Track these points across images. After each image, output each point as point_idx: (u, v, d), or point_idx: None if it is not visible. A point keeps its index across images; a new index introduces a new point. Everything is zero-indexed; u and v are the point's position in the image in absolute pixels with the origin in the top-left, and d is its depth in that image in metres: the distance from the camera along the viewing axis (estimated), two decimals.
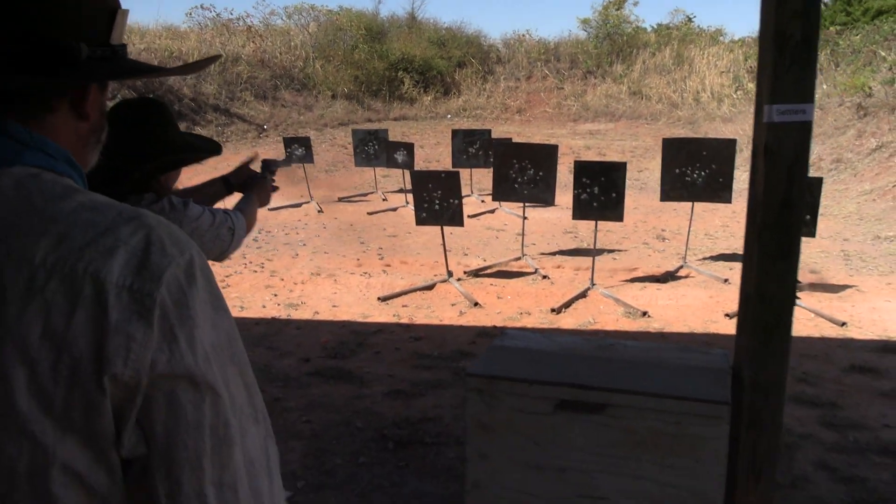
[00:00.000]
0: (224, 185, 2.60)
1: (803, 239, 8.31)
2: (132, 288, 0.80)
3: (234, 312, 5.97)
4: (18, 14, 0.85)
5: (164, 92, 16.61)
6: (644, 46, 24.10)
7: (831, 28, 19.41)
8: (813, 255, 7.81)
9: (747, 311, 2.65)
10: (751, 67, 21.15)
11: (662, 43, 24.01)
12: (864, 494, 3.30)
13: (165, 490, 0.83)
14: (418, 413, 4.18)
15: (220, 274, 7.20)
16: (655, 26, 25.59)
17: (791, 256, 2.55)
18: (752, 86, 20.14)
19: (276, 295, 6.53)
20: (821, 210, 10.19)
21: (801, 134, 2.46)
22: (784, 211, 2.50)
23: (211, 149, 2.24)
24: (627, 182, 12.84)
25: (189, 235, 1.91)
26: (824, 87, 15.75)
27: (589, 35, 24.92)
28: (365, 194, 11.81)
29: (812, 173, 12.05)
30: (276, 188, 2.70)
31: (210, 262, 0.96)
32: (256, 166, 2.78)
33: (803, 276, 7.04)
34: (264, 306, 6.20)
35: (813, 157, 12.64)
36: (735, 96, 20.33)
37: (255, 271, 7.31)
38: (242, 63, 19.35)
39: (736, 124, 16.55)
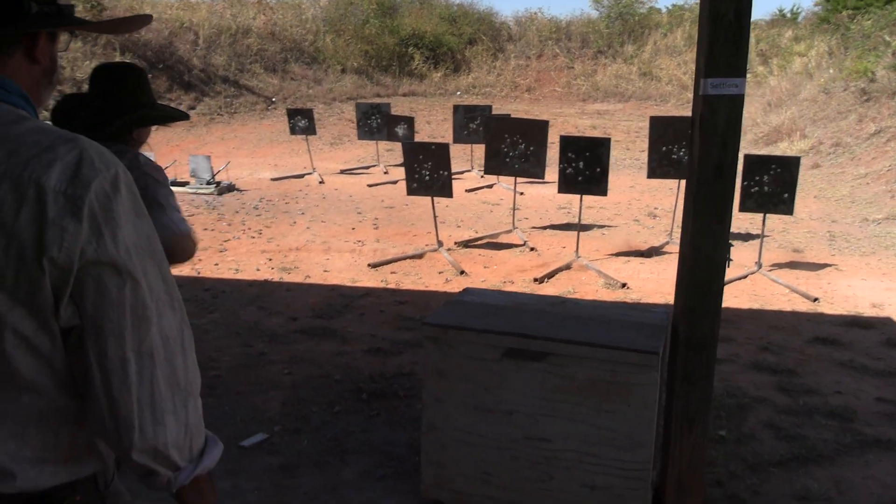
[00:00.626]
0: None
1: (787, 218, 8.41)
2: (66, 192, 1.03)
3: (230, 275, 6.24)
4: None
5: (175, 62, 16.82)
6: (656, 27, 24.04)
7: (843, 12, 19.32)
8: (799, 235, 7.97)
9: (683, 272, 2.86)
10: (762, 51, 21.11)
11: (675, 24, 23.94)
12: (802, 451, 3.51)
13: (95, 355, 1.07)
14: (394, 369, 4.42)
15: (219, 239, 7.46)
16: (670, 7, 25.46)
17: (724, 220, 2.75)
18: (761, 69, 20.12)
19: (270, 259, 6.77)
20: (815, 192, 10.36)
21: (734, 106, 2.65)
22: (717, 177, 2.69)
23: (178, 116, 2.46)
24: (628, 161, 13.05)
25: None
26: (830, 71, 15.76)
27: (601, 14, 24.85)
28: (367, 167, 12.01)
29: (811, 157, 12.16)
30: None
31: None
32: None
33: (785, 254, 7.22)
34: (258, 269, 6.45)
35: (812, 141, 12.73)
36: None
37: (253, 237, 7.55)
38: (253, 35, 19.49)
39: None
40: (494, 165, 7.28)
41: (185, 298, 4.78)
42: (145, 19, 1.31)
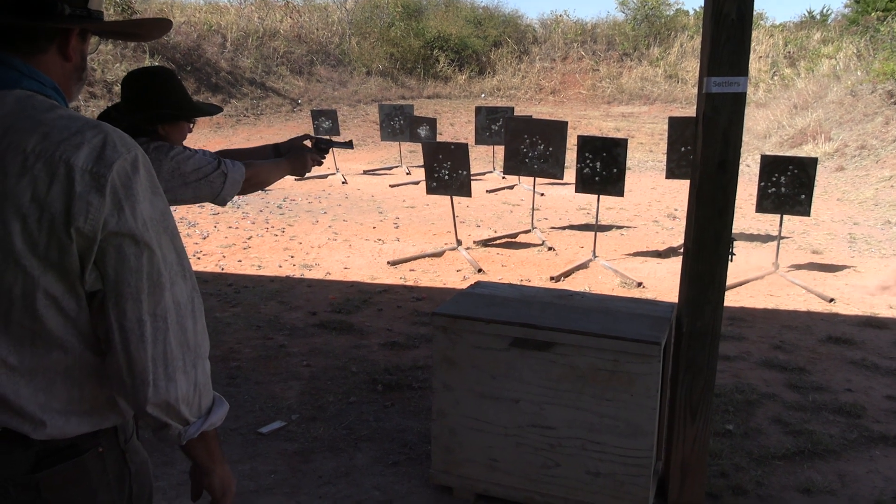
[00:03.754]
0: (273, 150, 2.93)
1: (808, 220, 8.41)
2: (91, 171, 1.16)
3: (252, 271, 6.39)
4: None
5: (203, 64, 17.11)
6: (683, 29, 23.95)
7: (873, 14, 19.13)
8: (819, 237, 7.95)
9: (687, 265, 2.93)
10: (789, 53, 20.96)
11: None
12: (808, 445, 3.56)
13: (115, 316, 1.20)
14: (409, 361, 4.52)
15: (243, 236, 7.63)
16: (697, 9, 25.34)
17: (725, 214, 2.82)
18: (788, 71, 19.98)
19: (292, 256, 6.91)
20: (838, 195, 10.31)
21: (736, 103, 2.72)
22: (720, 172, 2.77)
23: (209, 110, 2.59)
24: (650, 163, 13.06)
25: (170, 172, 2.28)
26: (858, 73, 15.62)
27: (627, 16, 24.80)
28: (389, 168, 12.15)
29: (836, 160, 12.08)
30: (319, 162, 2.98)
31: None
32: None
33: (805, 255, 7.21)
34: (280, 266, 6.59)
35: (837, 144, 12.64)
36: (771, 82, 20.16)
37: (276, 235, 7.71)
38: (279, 38, 19.76)
39: (769, 109, 16.46)
40: (513, 166, 7.37)
41: (209, 293, 5.00)
42: (165, 24, 1.41)
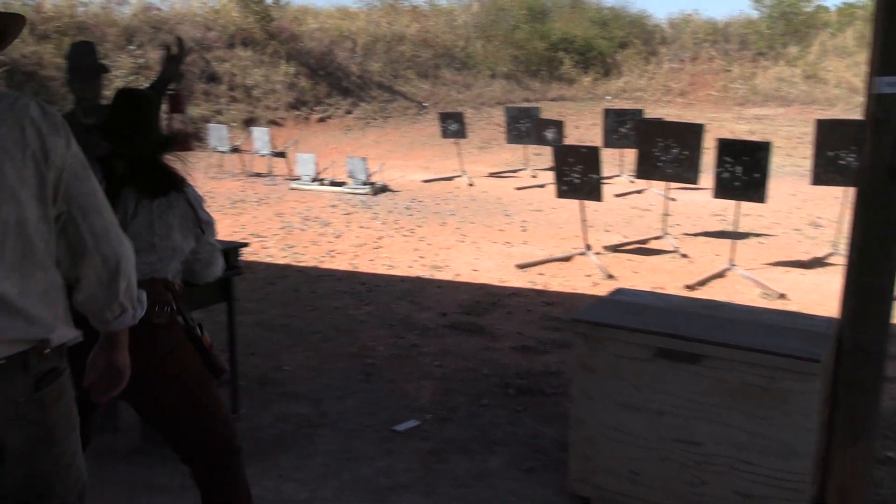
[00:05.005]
0: None
1: None
2: (46, 119, 1.51)
3: (384, 270, 6.55)
4: None
5: (334, 69, 17.69)
6: (823, 27, 22.67)
7: None
8: None
9: (850, 276, 2.75)
10: None
11: (844, 23, 22.47)
12: None
13: (86, 227, 1.56)
14: (541, 367, 4.49)
15: (373, 236, 7.82)
16: (840, 5, 23.92)
17: (893, 223, 2.62)
18: None
19: (422, 257, 7.02)
20: None
21: None
22: (890, 179, 2.58)
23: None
24: (789, 168, 12.41)
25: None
26: None
27: (762, 14, 23.72)
28: (515, 171, 12.14)
29: None
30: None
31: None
32: None
33: None
34: (410, 266, 6.71)
35: None
36: None
37: (405, 236, 7.86)
38: (407, 42, 20.15)
39: None
40: (645, 170, 7.18)
41: (343, 290, 5.15)
42: (20, 20, 1.62)
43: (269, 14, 18.04)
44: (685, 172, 6.98)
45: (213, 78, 15.82)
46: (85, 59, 3.30)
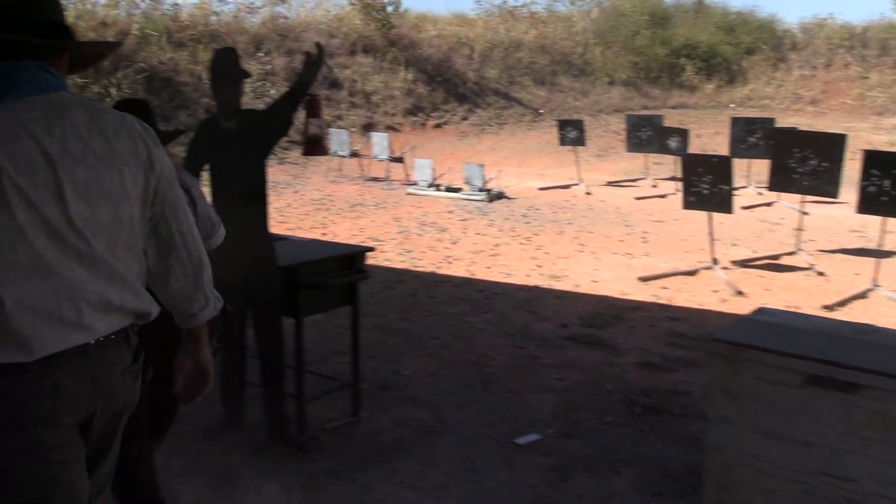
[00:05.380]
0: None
1: None
2: (149, 133, 1.74)
3: (501, 278, 6.49)
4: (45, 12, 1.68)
5: (452, 76, 17.81)
6: None
7: None
8: None
9: None
10: None
11: None
12: None
13: (175, 225, 1.77)
14: (668, 385, 4.30)
15: (490, 243, 7.78)
16: None
17: None
18: None
19: (539, 266, 6.91)
20: None
21: None
22: None
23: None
24: None
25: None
26: None
27: None
28: (634, 180, 11.82)
29: None
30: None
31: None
32: None
33: None
34: (528, 275, 6.61)
35: None
36: None
37: (522, 244, 7.77)
38: (524, 49, 20.08)
39: None
40: (780, 182, 6.81)
41: (460, 297, 5.13)
42: (113, 46, 1.90)
43: (390, 21, 18.38)
44: (824, 185, 6.56)
45: (334, 84, 16.25)
46: (228, 65, 3.41)
